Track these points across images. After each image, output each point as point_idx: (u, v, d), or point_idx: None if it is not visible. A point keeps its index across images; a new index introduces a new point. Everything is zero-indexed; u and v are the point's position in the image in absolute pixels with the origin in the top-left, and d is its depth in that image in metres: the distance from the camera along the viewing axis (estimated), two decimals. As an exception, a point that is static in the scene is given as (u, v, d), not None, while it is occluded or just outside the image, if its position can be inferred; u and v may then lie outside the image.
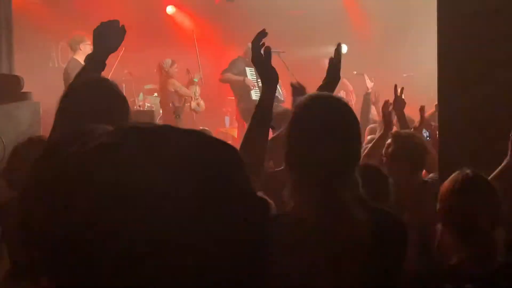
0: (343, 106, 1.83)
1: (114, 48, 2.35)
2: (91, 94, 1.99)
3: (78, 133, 1.15)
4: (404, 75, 10.24)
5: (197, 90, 9.04)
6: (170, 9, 10.99)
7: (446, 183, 2.24)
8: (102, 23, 2.36)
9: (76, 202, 0.72)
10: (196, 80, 9.02)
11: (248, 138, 2.06)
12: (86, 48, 6.78)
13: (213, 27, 10.87)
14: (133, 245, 0.70)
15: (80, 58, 6.76)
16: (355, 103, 8.61)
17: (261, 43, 2.16)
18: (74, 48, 7.14)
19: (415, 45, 9.77)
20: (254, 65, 2.21)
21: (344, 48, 11.82)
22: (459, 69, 3.37)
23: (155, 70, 9.06)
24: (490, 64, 3.31)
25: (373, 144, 3.62)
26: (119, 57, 7.85)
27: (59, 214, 0.73)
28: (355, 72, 9.83)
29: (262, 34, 2.19)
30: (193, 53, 9.72)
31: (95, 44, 2.34)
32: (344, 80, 8.84)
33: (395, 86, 4.13)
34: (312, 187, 1.70)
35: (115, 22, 2.36)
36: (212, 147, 0.81)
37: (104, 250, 0.70)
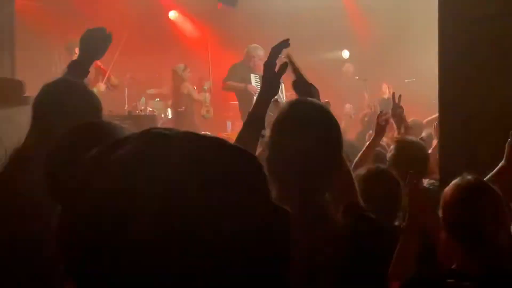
0: (322, 111, 1.84)
1: (99, 56, 2.39)
2: (60, 95, 2.02)
3: (92, 131, 1.15)
4: (406, 80, 10.24)
5: (207, 97, 9.15)
6: (172, 14, 11.02)
7: (449, 191, 2.22)
8: (88, 30, 2.39)
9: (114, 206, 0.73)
10: (206, 87, 9.12)
11: (238, 143, 2.06)
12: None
13: (215, 32, 10.90)
14: (168, 252, 0.71)
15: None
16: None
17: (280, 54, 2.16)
18: (70, 52, 7.20)
19: (417, 51, 9.76)
20: (264, 68, 2.19)
21: (346, 54, 11.87)
22: (460, 74, 3.37)
23: (169, 75, 9.25)
24: (492, 69, 3.31)
25: (363, 151, 3.61)
26: (113, 61, 7.88)
27: (95, 219, 0.73)
28: (357, 78, 9.85)
29: (285, 43, 2.19)
30: (195, 58, 9.76)
31: (80, 50, 2.37)
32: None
33: (393, 94, 4.16)
34: (291, 191, 1.70)
35: (102, 29, 2.39)
36: (235, 154, 0.82)
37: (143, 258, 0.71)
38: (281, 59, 2.19)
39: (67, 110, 1.87)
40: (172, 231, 0.72)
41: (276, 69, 2.15)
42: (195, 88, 9.35)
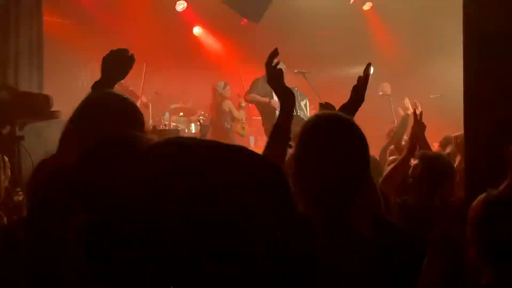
0: (349, 126, 1.82)
1: (121, 77, 2.39)
2: (105, 105, 2.00)
3: (119, 138, 1.18)
4: (431, 96, 10.17)
5: (243, 114, 9.28)
6: (197, 30, 11.13)
7: (477, 207, 2.19)
8: (111, 51, 2.39)
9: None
10: (243, 105, 9.23)
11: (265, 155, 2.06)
12: None
13: (238, 48, 10.97)
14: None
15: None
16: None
17: (274, 64, 2.18)
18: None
19: (442, 66, 9.70)
20: (269, 84, 2.22)
21: (371, 69, 11.82)
22: (485, 89, 3.33)
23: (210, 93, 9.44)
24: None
25: (394, 166, 3.56)
26: (142, 86, 8.10)
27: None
28: (381, 93, 9.81)
29: (274, 54, 2.20)
30: (220, 73, 9.84)
31: (102, 71, 2.36)
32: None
33: (414, 111, 4.06)
34: (318, 207, 1.70)
35: (125, 50, 2.39)
36: (263, 165, 0.85)
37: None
38: (281, 65, 2.22)
39: (108, 120, 1.86)
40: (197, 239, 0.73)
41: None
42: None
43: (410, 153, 3.62)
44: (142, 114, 2.03)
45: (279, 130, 2.12)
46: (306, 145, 1.80)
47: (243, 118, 9.36)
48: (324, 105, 2.62)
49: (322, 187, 1.70)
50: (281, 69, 2.19)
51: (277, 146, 2.07)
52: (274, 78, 2.18)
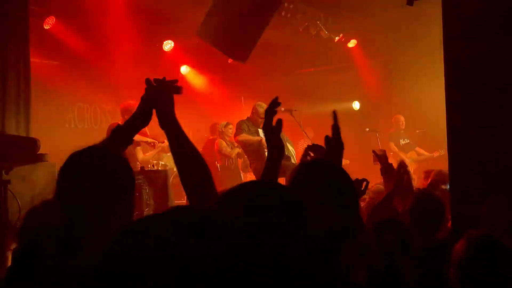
0: (336, 172, 1.84)
1: (142, 126, 2.12)
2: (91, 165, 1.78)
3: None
4: (417, 131, 10.27)
5: (236, 152, 9.44)
6: (184, 69, 11.23)
7: (461, 247, 2.22)
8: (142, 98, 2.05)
9: None
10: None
11: None
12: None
13: (226, 86, 11.07)
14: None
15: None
16: None
17: (274, 113, 2.17)
18: (122, 115, 7.33)
19: (427, 101, 9.82)
20: (264, 132, 2.20)
21: (357, 105, 11.94)
22: (468, 125, 3.38)
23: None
24: (498, 118, 3.33)
25: (380, 203, 3.56)
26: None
27: None
28: (368, 129, 9.88)
29: (276, 103, 2.18)
30: (204, 113, 9.91)
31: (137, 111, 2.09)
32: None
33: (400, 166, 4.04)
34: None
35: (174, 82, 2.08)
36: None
37: None
38: (279, 109, 2.21)
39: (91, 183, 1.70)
40: None
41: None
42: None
43: (395, 190, 3.64)
44: (130, 173, 1.83)
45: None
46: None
47: (233, 155, 9.45)
48: (312, 147, 2.62)
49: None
50: (280, 121, 2.16)
51: None
52: (272, 129, 2.15)
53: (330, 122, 2.36)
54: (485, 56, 3.43)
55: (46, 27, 8.43)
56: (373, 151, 4.23)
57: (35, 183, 4.99)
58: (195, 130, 9.86)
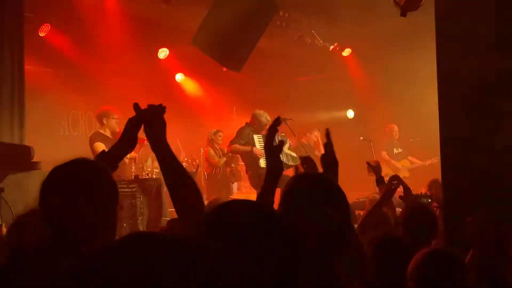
0: (329, 185, 1.86)
1: (131, 148, 2.12)
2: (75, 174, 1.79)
3: None
4: (411, 139, 10.31)
5: (222, 161, 9.41)
6: (179, 77, 11.24)
7: (413, 262, 2.31)
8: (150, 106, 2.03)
9: None
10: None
11: None
12: (109, 122, 7.06)
13: (221, 94, 11.08)
14: None
15: (103, 130, 7.24)
16: None
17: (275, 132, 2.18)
18: (99, 122, 7.33)
19: (421, 110, 9.85)
20: (265, 151, 2.19)
21: (351, 114, 11.97)
22: (461, 137, 3.41)
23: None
24: (490, 128, 3.36)
25: (369, 212, 3.57)
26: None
27: None
28: (362, 138, 9.90)
29: (278, 122, 2.20)
30: (198, 120, 9.90)
31: (122, 135, 2.08)
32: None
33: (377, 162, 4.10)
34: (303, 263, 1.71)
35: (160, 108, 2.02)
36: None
37: None
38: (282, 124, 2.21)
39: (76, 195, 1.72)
40: None
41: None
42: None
43: (387, 198, 3.66)
44: (114, 185, 1.84)
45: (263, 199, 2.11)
46: (290, 205, 1.82)
47: (220, 164, 9.39)
48: (306, 160, 2.62)
49: (307, 247, 1.71)
50: (282, 142, 2.17)
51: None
52: (272, 148, 2.15)
53: (324, 130, 2.37)
54: (477, 67, 3.46)
55: (41, 34, 8.42)
56: (367, 163, 4.25)
57: (28, 191, 4.97)
58: (188, 137, 9.88)
